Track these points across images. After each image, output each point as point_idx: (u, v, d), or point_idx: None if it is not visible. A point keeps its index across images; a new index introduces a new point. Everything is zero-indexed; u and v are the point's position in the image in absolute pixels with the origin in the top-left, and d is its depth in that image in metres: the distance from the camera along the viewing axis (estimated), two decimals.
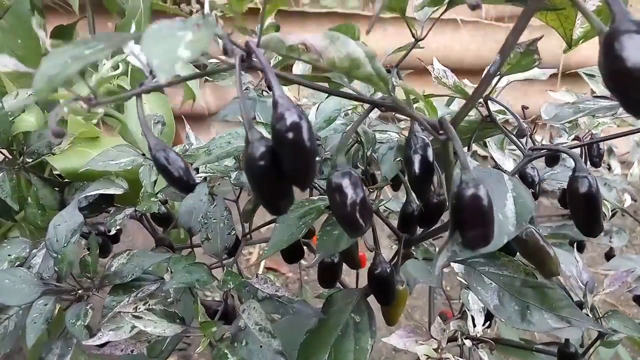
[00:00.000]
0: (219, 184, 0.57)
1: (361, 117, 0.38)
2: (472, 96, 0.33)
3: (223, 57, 0.32)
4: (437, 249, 0.75)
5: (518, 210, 0.38)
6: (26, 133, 0.65)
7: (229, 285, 0.45)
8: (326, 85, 0.39)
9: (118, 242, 0.69)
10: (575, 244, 0.87)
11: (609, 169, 1.00)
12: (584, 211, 0.44)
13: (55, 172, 0.64)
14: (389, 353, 1.46)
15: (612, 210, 0.94)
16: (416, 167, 0.41)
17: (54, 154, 0.61)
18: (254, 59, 0.33)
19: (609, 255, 0.93)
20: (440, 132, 0.36)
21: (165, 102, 0.78)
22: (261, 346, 0.40)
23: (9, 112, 0.66)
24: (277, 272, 1.89)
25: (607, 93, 0.48)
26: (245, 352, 0.40)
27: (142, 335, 0.48)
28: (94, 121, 0.75)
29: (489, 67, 0.32)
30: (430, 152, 0.42)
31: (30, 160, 0.63)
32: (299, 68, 0.72)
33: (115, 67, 0.36)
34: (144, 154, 0.61)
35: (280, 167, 0.31)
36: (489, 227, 0.34)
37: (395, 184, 0.78)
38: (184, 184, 0.35)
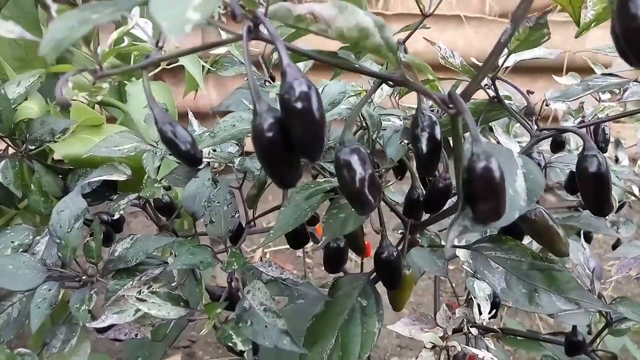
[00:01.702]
0: (221, 169, 0.57)
1: (370, 91, 0.38)
2: (483, 66, 0.32)
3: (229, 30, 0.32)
4: (442, 241, 0.74)
5: (529, 186, 0.38)
6: (29, 121, 0.64)
7: (233, 267, 0.44)
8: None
9: (121, 231, 0.69)
10: (582, 235, 0.87)
11: (617, 161, 0.99)
12: (593, 190, 0.43)
13: (56, 159, 0.63)
14: (394, 350, 1.45)
15: (619, 202, 0.94)
16: (424, 144, 0.41)
17: (56, 141, 0.61)
18: (261, 30, 0.32)
19: (617, 247, 0.92)
20: (450, 105, 0.36)
21: (168, 92, 0.77)
22: (266, 326, 0.39)
23: (12, 99, 0.65)
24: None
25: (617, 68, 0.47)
26: (250, 332, 0.39)
27: (146, 318, 0.47)
28: (96, 107, 0.75)
29: (500, 36, 0.31)
30: (437, 130, 0.42)
31: (32, 147, 0.62)
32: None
33: (120, 41, 0.36)
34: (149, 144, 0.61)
35: (289, 138, 0.31)
36: (501, 200, 0.34)
37: (400, 172, 0.77)
38: (191, 158, 0.34)
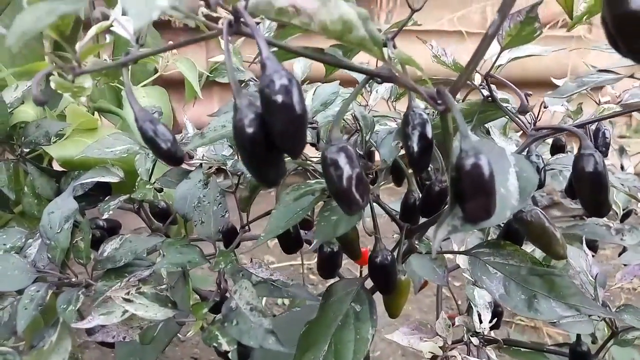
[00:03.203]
0: (213, 172, 0.56)
1: (358, 87, 0.37)
2: (472, 59, 0.32)
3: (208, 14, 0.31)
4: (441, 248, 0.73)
5: (521, 184, 0.36)
6: (25, 124, 0.64)
7: (220, 266, 0.43)
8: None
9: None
10: (584, 241, 0.85)
11: (622, 168, 0.97)
12: (590, 190, 0.42)
13: (51, 161, 0.63)
14: (397, 359, 1.43)
15: (624, 210, 0.92)
16: (414, 142, 0.40)
17: (50, 145, 0.61)
18: (243, 25, 0.32)
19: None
20: (439, 102, 0.35)
21: (164, 96, 0.77)
22: (252, 326, 0.38)
23: (8, 103, 0.65)
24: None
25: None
26: (235, 332, 0.38)
27: (134, 320, 0.47)
28: (95, 115, 0.75)
29: (488, 28, 0.31)
30: (428, 128, 0.41)
31: (27, 150, 0.62)
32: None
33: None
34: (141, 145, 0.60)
35: (270, 134, 0.30)
36: (491, 198, 0.33)
37: (398, 178, 0.76)
38: (171, 156, 0.34)
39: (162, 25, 1.51)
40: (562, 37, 1.85)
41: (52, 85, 0.36)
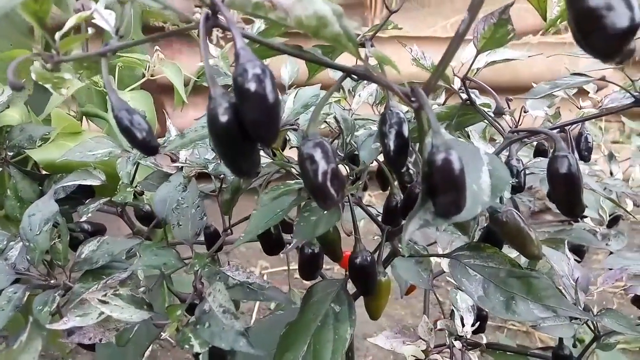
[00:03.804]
0: (194, 176, 0.56)
1: (334, 86, 0.38)
2: (443, 58, 0.32)
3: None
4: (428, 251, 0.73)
5: (494, 182, 0.37)
6: (10, 128, 0.64)
7: (195, 268, 0.43)
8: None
9: None
10: (568, 249, 0.86)
11: (611, 174, 0.98)
12: (564, 191, 0.43)
13: (38, 165, 0.63)
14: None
15: (610, 215, 0.93)
16: (391, 141, 0.41)
17: (33, 148, 0.61)
18: (220, 17, 0.32)
19: None
20: (412, 99, 0.36)
21: (148, 99, 0.78)
22: (224, 328, 0.38)
23: None
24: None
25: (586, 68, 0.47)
26: (207, 334, 0.38)
27: (111, 322, 0.46)
28: (83, 121, 0.75)
29: (458, 27, 0.32)
30: (405, 127, 0.41)
31: (11, 153, 0.62)
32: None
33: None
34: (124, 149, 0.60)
35: (243, 123, 0.31)
36: (461, 192, 0.33)
37: (385, 183, 0.77)
38: (146, 146, 0.34)
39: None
40: (554, 43, 1.87)
41: (33, 75, 0.36)
